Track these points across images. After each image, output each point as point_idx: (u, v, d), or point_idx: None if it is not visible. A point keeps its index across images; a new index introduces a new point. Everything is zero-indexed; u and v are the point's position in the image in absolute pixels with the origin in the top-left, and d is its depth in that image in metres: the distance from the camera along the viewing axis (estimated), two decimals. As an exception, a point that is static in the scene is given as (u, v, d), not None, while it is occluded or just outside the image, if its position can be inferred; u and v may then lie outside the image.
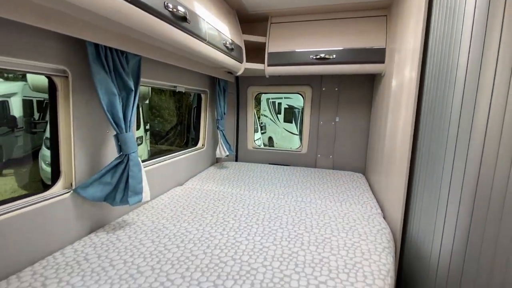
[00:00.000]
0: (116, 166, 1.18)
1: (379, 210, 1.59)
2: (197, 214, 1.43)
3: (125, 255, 1.04)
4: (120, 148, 1.18)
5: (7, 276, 0.90)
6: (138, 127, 5.74)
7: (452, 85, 0.97)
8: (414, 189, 1.25)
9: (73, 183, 1.13)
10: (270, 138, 8.95)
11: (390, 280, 0.97)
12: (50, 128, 1.11)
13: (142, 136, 5.56)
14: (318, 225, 1.33)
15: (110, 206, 1.32)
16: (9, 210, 0.92)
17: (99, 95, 1.07)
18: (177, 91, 1.88)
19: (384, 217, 1.53)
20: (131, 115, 1.20)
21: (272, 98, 9.16)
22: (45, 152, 4.74)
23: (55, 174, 1.11)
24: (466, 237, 0.91)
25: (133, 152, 1.19)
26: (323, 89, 2.45)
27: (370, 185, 2.06)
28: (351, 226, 1.34)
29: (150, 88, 5.35)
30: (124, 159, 1.18)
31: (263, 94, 9.17)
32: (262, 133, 7.96)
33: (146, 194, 1.25)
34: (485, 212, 0.85)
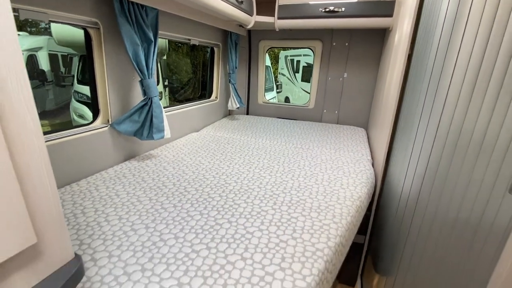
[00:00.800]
0: (142, 107, 1.43)
1: (369, 157, 1.79)
2: (209, 152, 1.71)
3: (153, 175, 1.34)
4: (144, 92, 1.41)
5: (70, 183, 1.23)
6: (157, 83, 5.96)
7: (431, 42, 1.06)
8: (396, 137, 1.42)
9: (110, 119, 1.40)
10: (286, 98, 8.88)
11: (359, 203, 1.21)
12: (89, 73, 1.35)
13: (161, 92, 5.83)
14: (310, 164, 1.57)
15: (139, 141, 1.62)
16: (68, 135, 1.21)
17: (126, 45, 1.27)
18: (191, 44, 2.02)
19: (372, 164, 1.73)
20: (152, 63, 1.41)
21: (290, 56, 8.84)
22: (75, 105, 5.14)
23: (95, 112, 1.39)
24: (423, 175, 1.10)
25: (155, 96, 1.43)
26: (334, 44, 2.48)
27: (368, 139, 2.22)
28: (338, 166, 1.56)
29: (167, 44, 5.42)
30: (148, 101, 1.42)
31: (281, 51, 8.88)
32: (277, 92, 7.94)
33: (167, 132, 1.52)
34: (439, 157, 1.03)
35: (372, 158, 1.81)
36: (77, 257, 0.53)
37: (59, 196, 1.10)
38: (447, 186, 1.03)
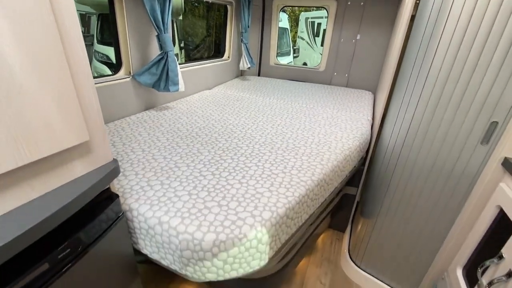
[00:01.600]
0: (159, 61, 1.58)
1: (370, 118, 1.88)
2: (219, 107, 1.87)
3: (170, 122, 1.54)
4: (160, 46, 1.55)
5: (101, 124, 1.46)
6: (173, 45, 5.99)
7: (431, 2, 1.09)
8: (392, 98, 1.50)
9: (131, 71, 1.57)
10: (304, 64, 8.63)
11: (348, 152, 1.36)
12: (112, 29, 1.49)
13: (177, 54, 5.88)
14: (310, 121, 1.70)
15: (157, 94, 1.80)
16: (97, 82, 1.40)
17: (143, 0, 1.38)
18: (204, 0, 2.08)
19: (372, 125, 1.84)
20: (167, 19, 1.52)
21: (311, 18, 8.37)
22: (96, 64, 5.30)
23: (118, 64, 1.56)
24: (406, 131, 1.21)
25: (170, 51, 1.56)
26: (348, 3, 2.42)
27: (375, 102, 2.28)
28: (337, 123, 1.68)
29: (183, 4, 5.33)
30: (164, 55, 1.56)
31: (302, 13, 8.39)
32: (294, 57, 7.72)
33: (181, 86, 1.68)
34: (422, 112, 1.13)
35: (373, 119, 1.90)
36: (115, 160, 0.73)
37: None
38: (428, 138, 1.14)
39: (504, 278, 0.80)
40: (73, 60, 0.57)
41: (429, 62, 1.06)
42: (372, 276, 1.60)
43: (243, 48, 2.56)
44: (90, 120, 0.64)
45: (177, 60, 1.63)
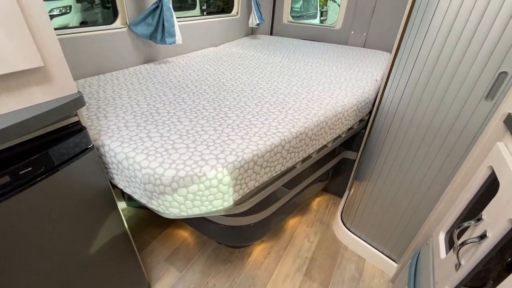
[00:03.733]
0: (154, 10, 1.54)
1: (378, 78, 1.73)
2: (218, 62, 1.82)
3: (164, 74, 1.54)
4: (155, -6, 1.50)
5: (98, 74, 1.50)
6: (194, 7, 5.81)
7: None
8: (396, 58, 1.35)
9: (127, 21, 1.56)
10: (331, 29, 7.94)
11: (340, 109, 1.28)
12: (105, -28, 1.45)
13: (198, 16, 5.69)
14: (310, 78, 1.60)
15: (156, 48, 1.79)
16: (93, 30, 1.42)
17: None
18: None
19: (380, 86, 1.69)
20: (161, -37, 1.44)
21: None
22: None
23: (114, 13, 1.54)
24: (403, 90, 1.10)
25: (165, -1, 1.51)
26: None
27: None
28: (339, 81, 1.57)
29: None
30: (159, 4, 1.52)
31: (333, -31, 7.58)
32: (321, 21, 7.16)
33: (178, 37, 1.64)
34: (418, 75, 1.00)
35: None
36: (79, 92, 0.75)
37: (89, 81, 1.38)
38: (426, 95, 1.03)
39: (476, 239, 0.75)
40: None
41: (433, 7, 0.91)
42: (361, 239, 1.59)
43: (252, 3, 2.40)
44: (43, 46, 0.64)
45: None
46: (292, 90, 1.41)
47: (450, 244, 1.00)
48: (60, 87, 0.71)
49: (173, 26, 1.59)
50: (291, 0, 2.70)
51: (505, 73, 0.85)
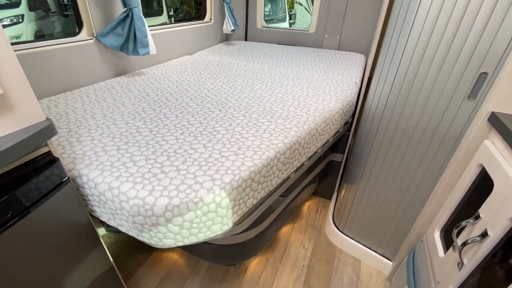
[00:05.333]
0: (124, 19, 1.43)
1: (357, 80, 1.77)
2: (196, 71, 1.75)
3: (139, 87, 1.43)
4: (124, 2, 1.39)
5: (64, 91, 1.35)
6: (161, 13, 5.63)
7: None
8: (378, 59, 1.38)
9: (94, 33, 1.43)
10: (300, 31, 8.11)
11: (328, 115, 1.27)
12: (66, -20, 1.32)
13: (166, 22, 5.52)
14: (293, 84, 1.59)
15: (128, 59, 1.67)
16: (56, 43, 1.28)
17: None
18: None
19: (360, 88, 1.73)
20: (129, -31, 1.35)
21: (308, -20, 7.77)
22: None
23: (79, 24, 1.41)
24: (388, 92, 1.11)
25: (135, 7, 1.41)
26: (340, -48, 2.17)
27: (366, 64, 2.14)
28: (321, 86, 1.57)
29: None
30: (129, 13, 1.41)
31: (298, -26, 7.78)
32: (290, 24, 7.31)
33: (152, 48, 1.54)
34: (405, 70, 1.02)
35: (362, 82, 1.79)
36: (48, 120, 0.65)
37: (55, 100, 1.23)
38: (412, 95, 1.05)
39: (478, 238, 0.77)
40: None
41: (415, 10, 0.94)
42: (354, 240, 1.60)
43: (225, 9, 2.35)
44: (1, 69, 0.54)
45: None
46: (277, 97, 1.38)
47: (446, 242, 1.02)
48: (25, 115, 0.61)
49: (145, 36, 1.49)
50: (263, 5, 2.70)
51: (486, 73, 0.89)
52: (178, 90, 1.42)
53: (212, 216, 0.75)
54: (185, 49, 2.20)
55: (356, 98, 1.58)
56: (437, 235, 1.07)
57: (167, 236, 0.75)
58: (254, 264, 1.54)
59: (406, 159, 1.19)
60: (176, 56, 2.11)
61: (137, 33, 1.45)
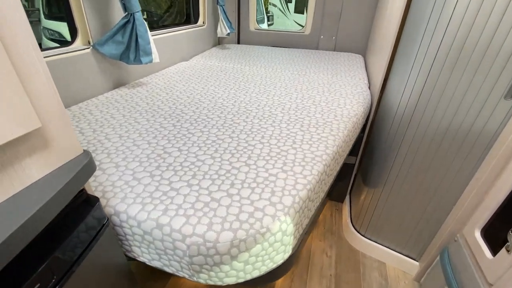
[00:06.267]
0: (125, 25, 1.29)
1: (366, 81, 1.76)
2: (202, 79, 1.63)
3: (147, 99, 1.30)
4: (124, 6, 1.25)
5: (61, 109, 1.19)
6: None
7: None
8: (395, 58, 1.37)
9: (91, 41, 1.27)
10: (278, 33, 8.14)
11: (355, 119, 1.23)
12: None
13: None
14: (307, 88, 1.54)
15: (126, 69, 1.51)
16: (47, 55, 1.11)
17: None
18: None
19: (369, 87, 1.72)
20: (129, -31, 1.21)
21: (282, -19, 7.85)
22: (48, 43, 4.57)
23: (73, 31, 1.24)
24: (420, 92, 1.10)
25: (137, 12, 1.27)
26: (335, -47, 2.17)
27: (366, 65, 2.16)
28: (335, 89, 1.54)
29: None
30: (130, 18, 1.27)
31: (272, -25, 7.84)
32: (269, 25, 7.32)
33: (155, 55, 1.41)
34: (439, 70, 1.01)
35: (370, 83, 1.78)
36: (86, 152, 0.53)
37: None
38: (444, 97, 1.04)
39: (541, 240, 0.75)
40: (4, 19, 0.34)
41: (451, 8, 0.92)
42: (377, 243, 1.58)
43: (219, 11, 2.25)
44: (38, 96, 0.42)
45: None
46: (298, 104, 1.32)
47: (491, 243, 1.02)
48: (62, 150, 0.48)
49: (148, 43, 1.35)
50: (256, 7, 2.63)
51: (525, 72, 0.89)
52: (190, 101, 1.30)
53: (277, 245, 0.67)
54: (181, 55, 2.07)
55: (370, 99, 1.56)
56: (478, 236, 1.07)
57: (230, 275, 0.65)
58: (281, 280, 1.46)
59: (436, 161, 1.18)
60: (173, 62, 1.97)
61: (139, 40, 1.31)
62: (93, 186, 0.72)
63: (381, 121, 1.45)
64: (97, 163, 0.81)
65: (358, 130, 1.30)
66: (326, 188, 0.95)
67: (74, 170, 0.48)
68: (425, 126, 1.13)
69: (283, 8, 8.34)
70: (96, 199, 0.57)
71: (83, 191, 0.57)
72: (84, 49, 1.25)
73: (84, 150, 0.53)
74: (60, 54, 1.17)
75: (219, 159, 0.86)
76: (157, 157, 0.85)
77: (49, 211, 0.42)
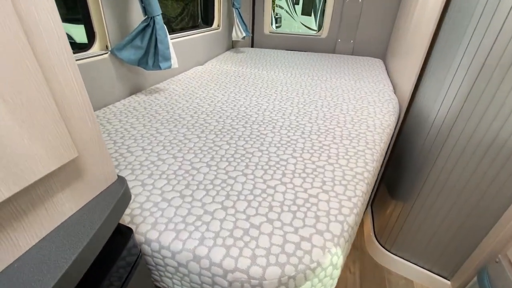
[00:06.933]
0: (144, 29, 1.23)
1: (391, 87, 1.68)
2: (221, 85, 1.57)
3: (167, 107, 1.23)
4: (144, 9, 1.19)
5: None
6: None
7: None
8: (429, 63, 1.28)
9: (109, 45, 1.22)
10: (285, 35, 8.09)
11: (389, 130, 1.15)
12: (74, -16, 1.10)
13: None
14: (331, 95, 1.46)
15: (143, 74, 1.46)
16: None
17: None
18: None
19: (394, 93, 1.63)
20: (150, -29, 1.15)
21: (289, -17, 7.82)
22: None
23: (90, 36, 1.19)
24: (464, 100, 1.01)
25: (157, 15, 1.21)
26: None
27: (387, 69, 2.07)
28: (361, 96, 1.46)
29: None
30: (150, 22, 1.21)
31: (279, -22, 7.81)
32: (276, 27, 7.27)
33: (174, 61, 1.35)
34: (486, 83, 0.92)
35: (394, 88, 1.70)
36: (121, 179, 0.46)
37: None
38: (492, 106, 0.95)
39: None
40: (30, 19, 0.28)
41: (507, 9, 0.84)
42: (405, 259, 1.49)
43: (235, 15, 2.19)
44: (74, 120, 0.36)
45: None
46: (325, 113, 1.24)
47: (545, 268, 0.93)
48: (97, 179, 0.42)
49: (168, 47, 1.29)
50: (271, 10, 2.56)
51: None
52: (212, 109, 1.24)
53: (327, 280, 0.59)
54: (196, 59, 2.01)
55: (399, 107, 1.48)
56: (528, 260, 0.98)
57: (274, 314, 0.58)
58: (304, 298, 1.38)
59: (477, 175, 1.09)
60: (188, 67, 1.91)
61: (158, 45, 1.25)
62: (120, 208, 0.66)
63: (412, 130, 1.36)
64: (121, 180, 0.75)
65: (390, 142, 1.22)
66: (364, 207, 0.88)
67: (110, 202, 0.41)
68: (467, 137, 1.05)
69: (290, 10, 8.28)
70: (130, 231, 0.50)
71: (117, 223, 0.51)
72: (101, 54, 1.19)
73: (118, 176, 0.47)
74: (77, 60, 1.11)
75: (252, 176, 0.79)
76: (185, 173, 0.79)
77: (87, 255, 0.35)
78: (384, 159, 1.64)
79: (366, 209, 1.88)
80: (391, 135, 1.18)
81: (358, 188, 0.76)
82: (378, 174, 1.70)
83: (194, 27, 2.31)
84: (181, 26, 2.67)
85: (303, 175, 0.80)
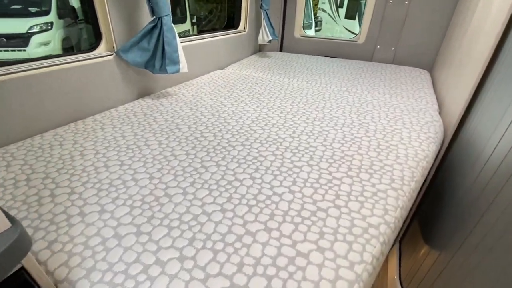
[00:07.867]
0: (151, 30, 1.15)
1: (436, 106, 1.39)
2: (233, 93, 1.44)
3: (167, 115, 1.14)
4: (152, 9, 1.11)
5: (76, 120, 1.09)
6: (184, 20, 5.50)
7: None
8: (489, 80, 1.00)
9: (115, 47, 1.16)
10: (326, 39, 7.80)
11: (425, 163, 0.91)
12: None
13: (189, 30, 5.39)
14: (358, 111, 1.24)
15: (153, 77, 1.39)
16: (66, 61, 1.01)
17: None
18: None
19: (439, 113, 1.35)
20: (159, -32, 1.07)
21: (334, -15, 7.52)
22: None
23: (97, 36, 1.15)
24: None
25: (166, 15, 1.12)
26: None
27: (433, 83, 1.75)
28: (395, 115, 1.21)
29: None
30: (157, 23, 1.13)
31: (324, -21, 7.52)
32: (316, 31, 6.99)
33: (183, 65, 1.25)
34: None
35: (440, 107, 1.41)
36: (16, 226, 0.35)
37: (61, 135, 0.96)
38: None
39: None
40: None
41: None
42: (436, 319, 1.20)
43: (262, 16, 2.05)
44: None
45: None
46: (345, 134, 1.04)
47: None
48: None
49: (176, 50, 1.20)
50: (303, 12, 2.38)
51: None
52: (214, 121, 1.11)
53: None
54: (216, 62, 1.91)
55: (443, 131, 1.20)
56: None
57: None
58: None
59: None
60: (207, 71, 1.82)
61: (166, 47, 1.17)
62: (58, 241, 0.55)
63: (460, 163, 1.08)
64: (80, 202, 0.65)
65: (426, 177, 0.97)
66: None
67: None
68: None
69: (333, 14, 7.91)
70: (33, 285, 0.38)
71: (22, 271, 0.39)
72: (106, 55, 1.14)
73: (12, 224, 0.35)
74: (82, 60, 1.07)
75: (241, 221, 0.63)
76: (153, 201, 0.66)
77: None
78: (419, 191, 1.36)
79: (393, 246, 1.60)
80: (427, 170, 0.93)
81: (368, 249, 0.56)
82: (411, 210, 1.42)
83: (219, 29, 2.23)
84: (210, 27, 2.61)
85: (308, 222, 0.63)
